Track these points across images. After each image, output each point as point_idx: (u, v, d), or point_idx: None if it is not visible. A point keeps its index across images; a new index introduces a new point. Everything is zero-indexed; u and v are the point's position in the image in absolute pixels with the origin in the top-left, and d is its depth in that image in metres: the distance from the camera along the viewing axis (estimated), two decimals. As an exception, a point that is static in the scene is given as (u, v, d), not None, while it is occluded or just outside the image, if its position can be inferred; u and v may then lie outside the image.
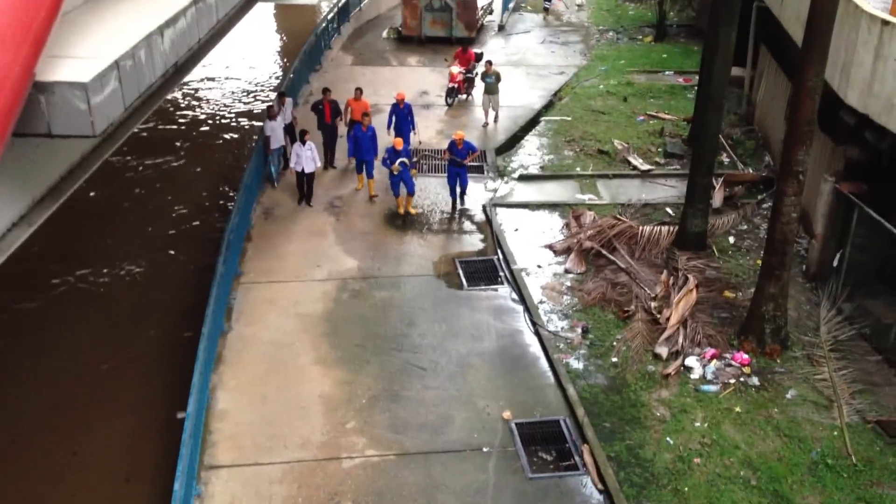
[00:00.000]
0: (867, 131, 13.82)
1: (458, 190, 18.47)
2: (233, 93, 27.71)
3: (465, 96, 24.41)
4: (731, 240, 17.37)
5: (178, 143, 23.51)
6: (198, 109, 26.17)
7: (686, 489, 11.27)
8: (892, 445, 12.01)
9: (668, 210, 18.47)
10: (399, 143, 17.79)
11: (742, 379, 13.30)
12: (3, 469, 12.54)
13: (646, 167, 20.32)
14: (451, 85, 23.89)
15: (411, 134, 20.15)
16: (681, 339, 13.95)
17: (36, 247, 16.83)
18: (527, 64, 28.25)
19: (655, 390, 13.11)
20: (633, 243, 16.72)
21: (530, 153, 21.31)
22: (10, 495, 12.15)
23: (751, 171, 20.00)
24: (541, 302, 15.34)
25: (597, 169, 20.38)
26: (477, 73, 24.33)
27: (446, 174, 18.64)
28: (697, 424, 12.41)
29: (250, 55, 31.07)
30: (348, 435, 12.17)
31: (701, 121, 17.42)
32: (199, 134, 24.40)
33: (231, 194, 20.11)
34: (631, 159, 20.65)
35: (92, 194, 20.04)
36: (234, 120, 25.49)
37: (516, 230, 17.76)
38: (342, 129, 20.12)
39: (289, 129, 19.57)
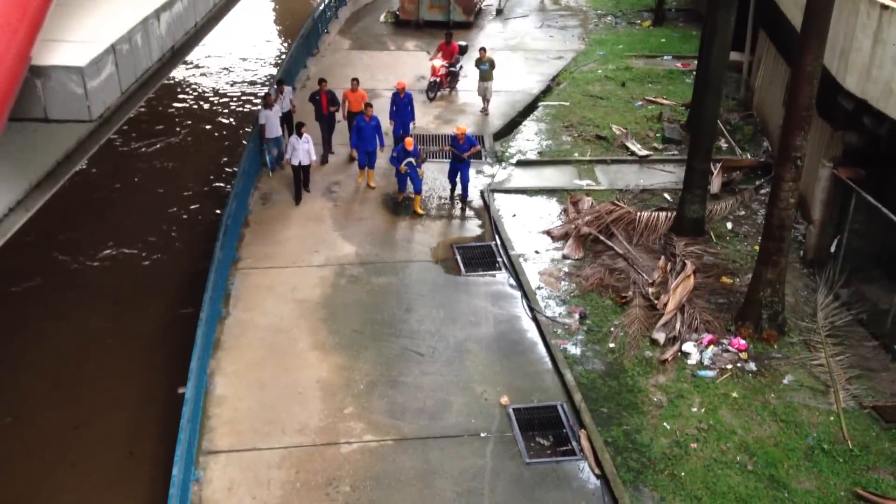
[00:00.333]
0: (865, 117, 13.80)
1: (457, 184, 18.19)
2: (229, 77, 27.57)
3: (447, 90, 23.85)
4: (729, 225, 17.37)
5: (175, 128, 23.43)
6: (193, 93, 26.05)
7: (683, 474, 11.33)
8: (889, 430, 12.06)
9: (666, 196, 18.46)
10: (410, 144, 17.42)
11: (739, 364, 13.33)
12: (6, 444, 12.65)
13: (644, 153, 20.29)
14: (432, 79, 23.34)
15: (411, 124, 19.85)
16: (678, 325, 13.98)
17: (32, 232, 16.86)
18: (525, 48, 28.14)
19: (653, 376, 13.15)
20: (631, 229, 16.72)
21: (528, 138, 21.26)
22: (13, 469, 12.27)
23: (749, 156, 19.98)
24: (538, 287, 15.36)
25: (595, 154, 20.34)
26: (461, 67, 23.95)
27: (448, 169, 18.32)
28: (694, 410, 12.45)
29: (247, 39, 30.91)
30: (346, 420, 12.20)
31: (699, 106, 17.38)
32: (195, 119, 24.30)
33: (225, 176, 20.08)
34: (629, 145, 20.61)
35: (93, 170, 20.01)
36: (229, 105, 25.39)
37: (514, 216, 17.74)
38: (340, 121, 19.85)
39: (287, 118, 19.36)
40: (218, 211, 18.09)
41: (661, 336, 13.83)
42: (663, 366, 13.32)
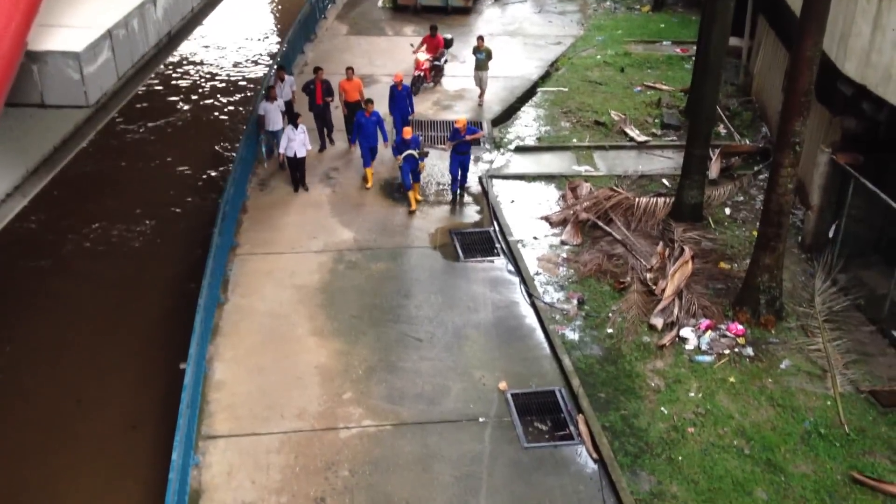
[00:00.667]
0: (864, 102, 13.78)
1: (459, 177, 17.71)
2: (227, 61, 27.47)
3: (431, 84, 23.04)
4: (728, 211, 17.38)
5: (172, 113, 23.37)
6: (190, 78, 25.96)
7: (680, 458, 11.39)
8: (885, 415, 12.12)
9: (665, 181, 18.45)
10: (408, 133, 16.98)
11: (736, 349, 13.37)
12: (9, 419, 12.84)
13: (642, 138, 20.26)
14: (416, 73, 22.37)
15: (410, 116, 19.55)
16: (676, 310, 14.01)
17: (33, 215, 17.17)
18: (523, 34, 28.02)
19: (650, 361, 13.19)
20: (630, 215, 16.72)
21: (527, 124, 21.22)
22: (17, 443, 12.44)
23: (747, 142, 19.95)
24: (537, 273, 15.37)
25: (593, 140, 20.31)
26: (446, 61, 23.41)
27: (449, 161, 17.69)
28: (692, 394, 12.50)
29: (245, 24, 30.76)
30: (345, 405, 12.24)
31: (698, 91, 17.34)
32: (192, 104, 24.23)
33: (225, 161, 20.05)
34: (628, 130, 20.58)
35: (91, 153, 20.05)
36: (226, 91, 25.30)
37: (513, 202, 17.73)
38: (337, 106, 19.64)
39: (287, 107, 18.87)
40: (216, 196, 18.07)
41: (658, 321, 13.86)
42: (661, 351, 13.36)
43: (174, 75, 26.15)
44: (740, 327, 13.71)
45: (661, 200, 17.04)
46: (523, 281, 15.12)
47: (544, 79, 24.28)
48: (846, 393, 12.53)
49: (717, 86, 16.61)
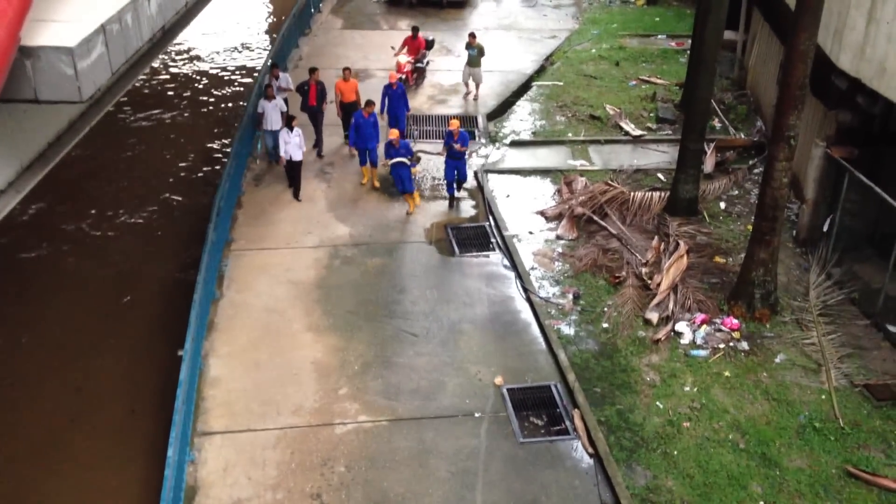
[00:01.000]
0: (859, 96, 13.80)
1: (455, 185, 17.37)
2: (219, 56, 27.39)
3: (412, 86, 22.31)
4: (722, 205, 17.39)
5: (164, 109, 23.31)
6: (183, 72, 25.88)
7: (675, 452, 11.41)
8: (879, 409, 12.16)
9: (660, 175, 18.45)
10: (393, 135, 16.64)
11: (731, 344, 13.40)
12: (10, 406, 12.95)
13: (638, 132, 20.26)
14: (397, 75, 20.59)
15: (406, 115, 19.30)
16: (671, 305, 14.02)
17: (33, 203, 17.52)
18: (518, 28, 27.99)
19: (646, 355, 13.21)
20: (625, 209, 16.72)
21: (522, 119, 21.20)
22: (17, 430, 12.52)
23: (742, 136, 19.96)
24: (532, 268, 15.38)
25: (588, 134, 20.30)
26: (428, 62, 22.91)
27: (445, 168, 17.35)
28: (687, 389, 12.52)
29: (239, 18, 30.67)
30: (341, 401, 12.24)
31: (693, 85, 17.34)
32: (184, 99, 24.15)
33: (220, 157, 20.00)
34: (623, 124, 20.58)
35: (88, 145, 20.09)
36: (220, 86, 25.23)
37: (508, 196, 17.72)
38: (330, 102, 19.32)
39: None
40: (211, 191, 18.04)
41: (654, 316, 13.88)
42: (656, 345, 13.38)
43: (168, 68, 26.05)
44: (735, 321, 13.74)
45: (656, 195, 17.05)
46: (519, 276, 15.12)
47: (539, 73, 24.27)
48: (841, 387, 12.57)
49: (711, 80, 16.61)
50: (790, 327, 13.82)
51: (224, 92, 24.80)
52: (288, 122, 17.20)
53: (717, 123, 20.53)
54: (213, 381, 12.50)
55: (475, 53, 21.55)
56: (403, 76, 21.43)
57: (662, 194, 17.03)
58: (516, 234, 16.39)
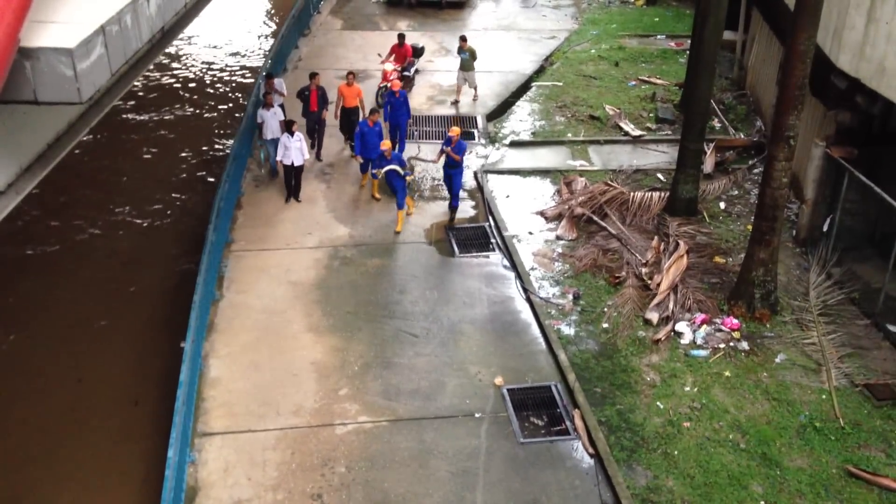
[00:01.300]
0: (858, 96, 13.80)
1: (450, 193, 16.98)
2: (218, 58, 27.39)
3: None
4: (722, 205, 17.40)
5: (165, 109, 23.31)
6: (182, 73, 25.88)
7: (676, 453, 11.41)
8: (880, 408, 12.16)
9: (660, 176, 18.46)
10: (385, 146, 16.21)
11: (732, 344, 13.40)
12: (11, 398, 13.06)
13: (637, 133, 20.27)
14: (382, 84, 20.80)
15: (407, 122, 19.08)
16: (671, 305, 14.02)
17: (36, 200, 17.59)
18: (518, 28, 28.00)
19: (646, 355, 13.21)
20: (625, 209, 16.73)
21: (521, 119, 21.20)
22: (20, 423, 12.63)
23: (742, 136, 19.97)
24: (532, 268, 15.37)
25: (588, 135, 20.31)
26: (416, 71, 22.37)
27: (442, 175, 17.11)
28: (687, 389, 12.52)
29: (239, 19, 30.67)
30: (341, 401, 12.23)
31: (692, 86, 17.34)
32: (182, 100, 24.15)
33: (220, 156, 20.00)
34: (622, 125, 20.58)
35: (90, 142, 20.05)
36: (220, 89, 25.23)
37: (508, 197, 17.72)
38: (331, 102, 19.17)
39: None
40: (210, 192, 18.05)
41: (654, 316, 13.88)
42: (656, 345, 13.38)
43: (167, 69, 26.05)
44: (735, 321, 13.74)
45: (655, 195, 17.05)
46: (519, 276, 15.12)
47: (539, 73, 24.28)
48: (841, 386, 12.56)
49: (711, 80, 16.62)
50: (790, 327, 13.82)
51: (223, 93, 24.79)
52: (288, 126, 16.89)
53: (716, 123, 20.53)
54: (213, 382, 12.50)
55: (467, 57, 21.37)
56: (388, 84, 20.28)
57: (662, 194, 17.03)
58: (516, 234, 16.39)
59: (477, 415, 12.09)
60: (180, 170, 20.24)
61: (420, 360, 13.11)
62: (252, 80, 24.14)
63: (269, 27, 30.87)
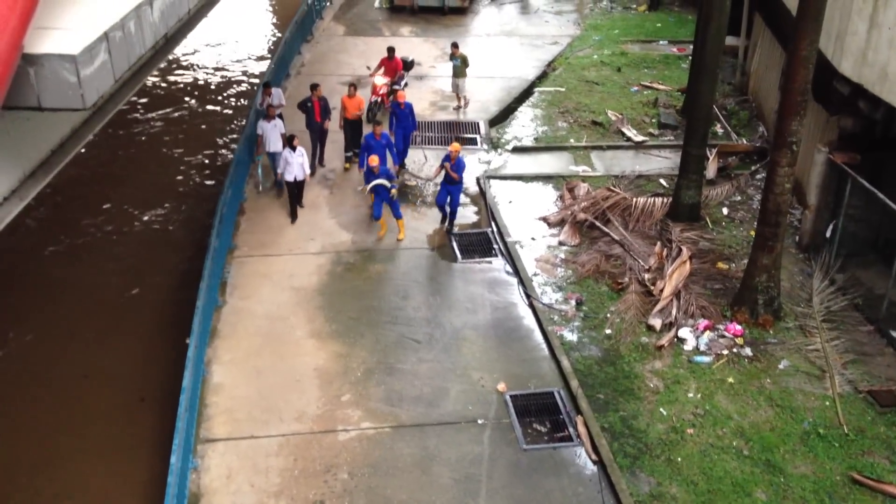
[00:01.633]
0: (861, 101, 13.78)
1: (447, 209, 16.56)
2: (222, 64, 27.43)
3: (387, 109, 20.17)
4: (725, 211, 17.38)
5: (169, 115, 23.35)
6: (186, 79, 25.93)
7: (679, 459, 11.38)
8: (884, 415, 12.12)
9: (662, 181, 18.45)
10: (374, 161, 15.77)
11: (735, 350, 13.37)
12: (18, 394, 13.22)
13: (640, 138, 20.26)
14: (373, 98, 20.35)
15: (413, 133, 18.97)
16: (674, 311, 14.00)
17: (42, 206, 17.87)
18: (520, 34, 28.02)
19: (649, 362, 13.18)
20: (627, 215, 16.71)
21: (524, 124, 21.21)
22: (27, 418, 12.75)
23: (744, 141, 19.96)
24: (535, 274, 15.36)
25: (591, 140, 20.30)
26: (406, 84, 21.70)
27: (439, 191, 16.59)
28: (690, 395, 12.49)
29: (241, 26, 30.72)
30: (344, 407, 12.22)
31: (695, 91, 17.32)
32: (186, 106, 24.18)
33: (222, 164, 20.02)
34: (625, 130, 20.58)
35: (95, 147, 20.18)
36: (222, 94, 25.27)
37: (510, 202, 17.72)
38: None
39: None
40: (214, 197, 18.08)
41: (657, 322, 13.85)
42: (659, 352, 13.36)
43: (170, 74, 26.10)
44: (738, 327, 13.72)
45: (658, 200, 17.04)
46: (521, 282, 15.11)
47: (541, 79, 24.28)
48: (845, 393, 12.53)
49: (713, 85, 16.61)
50: (794, 333, 13.79)
51: (226, 99, 24.83)
52: (289, 141, 16.56)
53: (719, 129, 20.53)
54: (215, 388, 12.49)
55: (459, 64, 21.29)
56: (379, 98, 20.42)
57: (665, 200, 17.02)
58: (519, 240, 16.38)
59: (480, 421, 12.07)
60: (183, 175, 20.26)
61: (423, 366, 13.10)
62: (256, 82, 24.17)
63: (272, 33, 30.93)
